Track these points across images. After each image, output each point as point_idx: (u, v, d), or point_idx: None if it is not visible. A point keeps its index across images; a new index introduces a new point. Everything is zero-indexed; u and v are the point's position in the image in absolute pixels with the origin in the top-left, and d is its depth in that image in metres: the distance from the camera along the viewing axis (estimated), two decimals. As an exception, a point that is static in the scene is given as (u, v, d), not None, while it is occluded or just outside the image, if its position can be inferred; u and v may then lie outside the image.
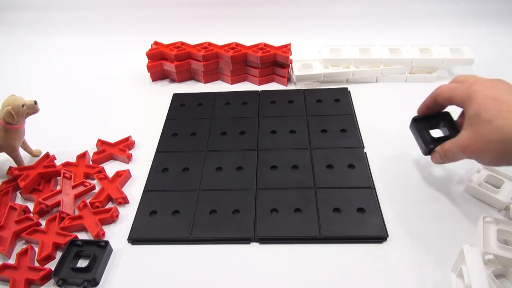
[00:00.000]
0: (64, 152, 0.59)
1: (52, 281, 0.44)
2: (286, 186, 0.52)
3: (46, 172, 0.55)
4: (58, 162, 0.57)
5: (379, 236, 0.46)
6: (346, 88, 0.69)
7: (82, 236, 0.49)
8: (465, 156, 0.41)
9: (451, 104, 0.44)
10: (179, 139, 0.61)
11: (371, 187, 0.51)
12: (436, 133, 0.48)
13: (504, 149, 0.38)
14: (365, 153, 0.56)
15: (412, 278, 0.42)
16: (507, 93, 0.39)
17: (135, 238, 0.48)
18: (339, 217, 0.48)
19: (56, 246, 0.47)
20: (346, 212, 0.48)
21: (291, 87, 0.72)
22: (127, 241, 0.48)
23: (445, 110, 0.48)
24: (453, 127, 0.46)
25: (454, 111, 0.47)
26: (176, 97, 0.70)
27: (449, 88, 0.44)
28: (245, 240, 0.47)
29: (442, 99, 0.45)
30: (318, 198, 0.50)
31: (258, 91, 0.70)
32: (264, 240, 0.47)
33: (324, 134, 0.60)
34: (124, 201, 0.52)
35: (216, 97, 0.69)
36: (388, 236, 0.46)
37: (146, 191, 0.53)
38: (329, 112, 0.64)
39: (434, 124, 0.49)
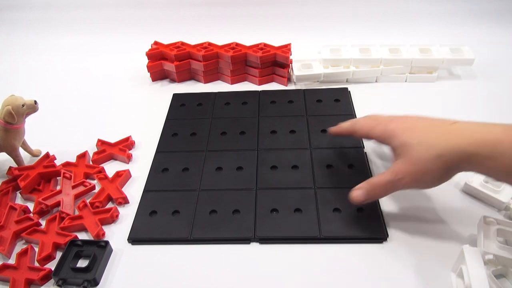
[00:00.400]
0: (64, 152, 0.59)
1: (52, 281, 0.44)
2: (286, 186, 0.52)
3: (46, 172, 0.55)
4: (58, 162, 0.57)
5: (379, 237, 0.46)
6: (346, 88, 0.69)
7: (82, 236, 0.49)
8: (402, 184, 0.41)
9: (368, 139, 0.48)
10: (179, 139, 0.61)
11: None
12: None
13: (444, 163, 0.39)
14: (365, 153, 0.56)
15: (412, 278, 0.42)
16: (418, 121, 0.43)
17: (135, 238, 0.48)
18: (339, 217, 0.48)
19: (56, 246, 0.47)
20: (346, 212, 0.48)
21: (291, 87, 0.72)
22: (127, 241, 0.48)
23: None
24: None
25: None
26: (176, 97, 0.70)
27: (366, 127, 0.47)
28: (245, 240, 0.47)
29: (359, 135, 0.49)
30: (318, 198, 0.50)
31: (258, 91, 0.70)
32: (264, 240, 0.47)
33: (324, 134, 0.60)
34: (124, 201, 0.52)
35: (216, 97, 0.69)
36: (388, 236, 0.46)
37: (146, 191, 0.53)
38: (329, 112, 0.64)
39: None
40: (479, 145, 0.37)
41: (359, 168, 0.54)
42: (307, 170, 0.54)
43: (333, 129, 0.53)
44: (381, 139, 0.45)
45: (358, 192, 0.44)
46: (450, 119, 0.42)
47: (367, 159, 0.55)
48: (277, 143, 0.59)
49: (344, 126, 0.51)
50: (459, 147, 0.38)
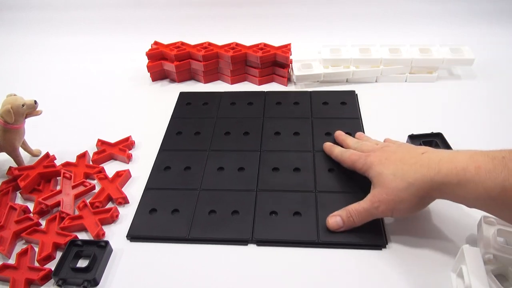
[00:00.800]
0: (64, 152, 0.59)
1: (52, 281, 0.44)
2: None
3: (46, 172, 0.55)
4: (58, 162, 0.57)
5: (378, 244, 0.45)
6: (354, 91, 0.68)
7: (82, 236, 0.49)
8: (378, 212, 0.44)
9: (354, 170, 0.50)
10: (183, 138, 0.61)
11: None
12: None
13: (416, 192, 0.41)
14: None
15: (412, 277, 0.42)
16: (395, 152, 0.46)
17: (134, 235, 0.48)
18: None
19: (56, 246, 0.47)
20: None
21: (291, 87, 0.72)
22: (126, 238, 0.48)
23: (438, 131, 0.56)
24: (446, 145, 0.53)
25: (446, 130, 0.55)
26: (182, 95, 0.70)
27: (350, 160, 0.50)
28: (243, 242, 0.46)
29: (346, 165, 0.51)
30: (318, 202, 0.49)
31: (264, 91, 0.70)
32: (262, 242, 0.46)
33: (328, 137, 0.59)
34: (124, 201, 0.52)
35: (222, 96, 0.69)
36: (387, 243, 0.45)
37: (147, 188, 0.53)
38: (334, 115, 0.63)
39: (427, 142, 0.54)
40: (447, 174, 0.39)
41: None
42: (309, 173, 0.53)
43: (326, 149, 0.56)
44: (362, 171, 0.48)
45: (335, 219, 0.46)
46: (422, 147, 0.45)
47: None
48: (280, 145, 0.58)
49: (334, 153, 0.54)
50: (427, 177, 0.40)
